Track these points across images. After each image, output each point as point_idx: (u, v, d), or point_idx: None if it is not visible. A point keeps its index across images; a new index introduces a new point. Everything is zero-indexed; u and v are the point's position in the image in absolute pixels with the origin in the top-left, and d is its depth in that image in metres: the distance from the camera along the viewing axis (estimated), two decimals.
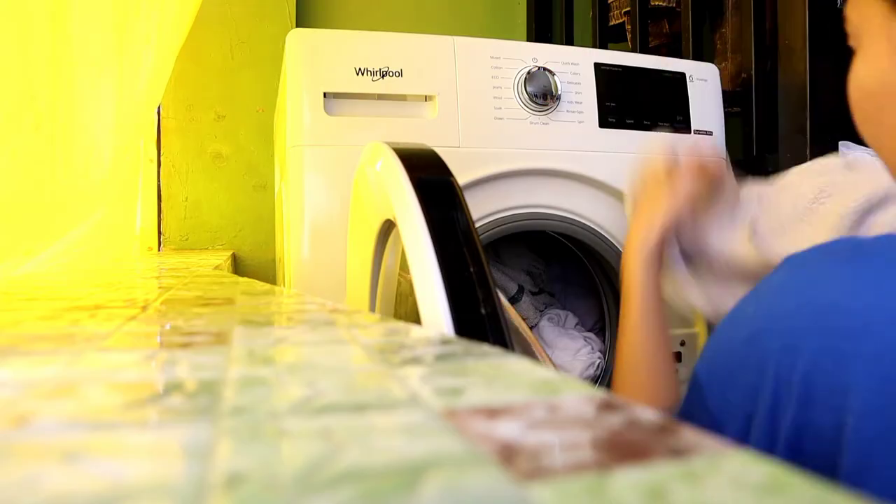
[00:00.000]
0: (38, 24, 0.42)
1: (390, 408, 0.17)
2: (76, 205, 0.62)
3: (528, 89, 0.90)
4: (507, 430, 0.15)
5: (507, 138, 0.90)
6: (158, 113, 1.48)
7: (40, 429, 0.16)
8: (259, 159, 1.55)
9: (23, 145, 0.43)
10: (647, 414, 0.17)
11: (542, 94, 0.91)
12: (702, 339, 1.02)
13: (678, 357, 1.01)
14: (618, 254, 0.97)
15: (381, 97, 0.87)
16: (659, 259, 0.59)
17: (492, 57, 0.91)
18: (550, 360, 1.07)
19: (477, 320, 0.39)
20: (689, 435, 0.15)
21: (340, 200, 0.83)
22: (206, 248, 1.51)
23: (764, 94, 1.14)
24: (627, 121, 0.97)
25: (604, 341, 1.14)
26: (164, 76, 0.78)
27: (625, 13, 1.51)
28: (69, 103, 0.50)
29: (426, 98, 0.88)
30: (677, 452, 0.14)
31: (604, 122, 0.95)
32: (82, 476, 0.13)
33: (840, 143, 1.04)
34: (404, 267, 0.57)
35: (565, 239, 1.02)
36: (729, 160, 1.05)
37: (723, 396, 0.35)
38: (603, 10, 1.58)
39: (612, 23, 1.57)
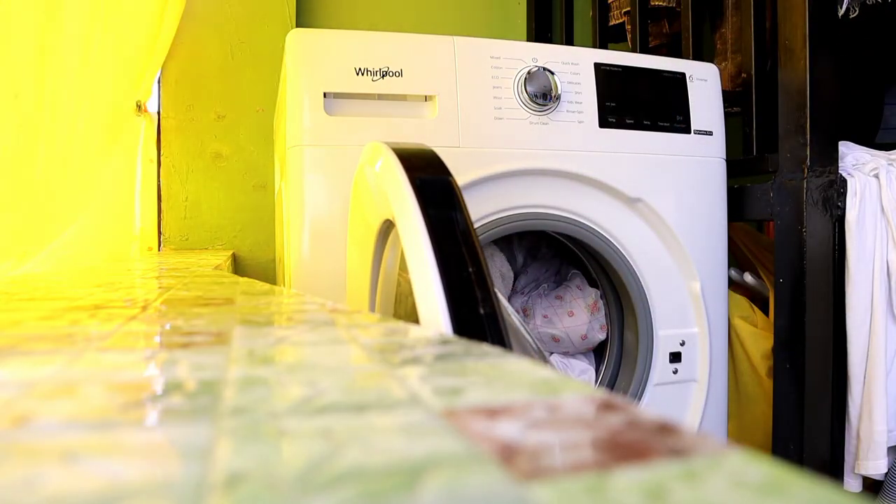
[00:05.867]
0: (26, 23, 0.42)
1: (390, 408, 0.17)
2: (65, 203, 0.62)
3: (528, 89, 0.90)
4: (507, 430, 0.15)
5: (506, 138, 0.90)
6: (158, 113, 1.48)
7: (40, 429, 0.16)
8: (259, 159, 1.54)
9: (6, 144, 0.43)
10: (647, 414, 0.17)
11: (542, 94, 0.91)
12: (701, 339, 1.01)
13: (678, 357, 1.00)
14: (617, 253, 0.97)
15: (381, 97, 0.87)
16: None
17: (492, 57, 0.91)
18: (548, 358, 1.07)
19: (475, 320, 0.38)
20: (689, 435, 0.15)
21: (340, 200, 0.83)
22: (206, 248, 1.51)
23: (764, 94, 1.14)
24: (627, 121, 0.97)
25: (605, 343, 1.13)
26: (150, 69, 0.78)
27: (625, 13, 1.51)
28: (53, 100, 0.50)
29: (426, 98, 0.88)
30: (677, 452, 0.14)
31: (604, 122, 0.95)
32: (82, 476, 0.13)
33: (840, 142, 1.04)
34: (404, 267, 0.57)
35: (565, 239, 1.02)
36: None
37: None
38: (603, 10, 1.58)
39: (612, 23, 1.57)
